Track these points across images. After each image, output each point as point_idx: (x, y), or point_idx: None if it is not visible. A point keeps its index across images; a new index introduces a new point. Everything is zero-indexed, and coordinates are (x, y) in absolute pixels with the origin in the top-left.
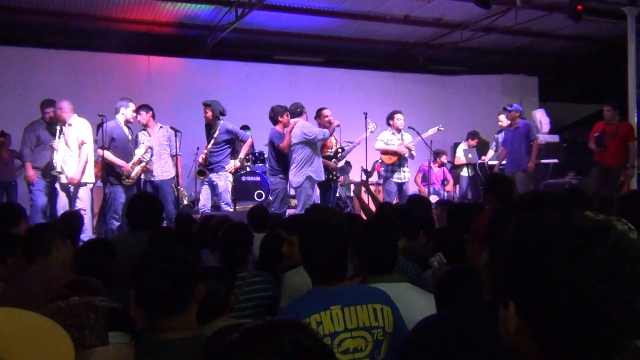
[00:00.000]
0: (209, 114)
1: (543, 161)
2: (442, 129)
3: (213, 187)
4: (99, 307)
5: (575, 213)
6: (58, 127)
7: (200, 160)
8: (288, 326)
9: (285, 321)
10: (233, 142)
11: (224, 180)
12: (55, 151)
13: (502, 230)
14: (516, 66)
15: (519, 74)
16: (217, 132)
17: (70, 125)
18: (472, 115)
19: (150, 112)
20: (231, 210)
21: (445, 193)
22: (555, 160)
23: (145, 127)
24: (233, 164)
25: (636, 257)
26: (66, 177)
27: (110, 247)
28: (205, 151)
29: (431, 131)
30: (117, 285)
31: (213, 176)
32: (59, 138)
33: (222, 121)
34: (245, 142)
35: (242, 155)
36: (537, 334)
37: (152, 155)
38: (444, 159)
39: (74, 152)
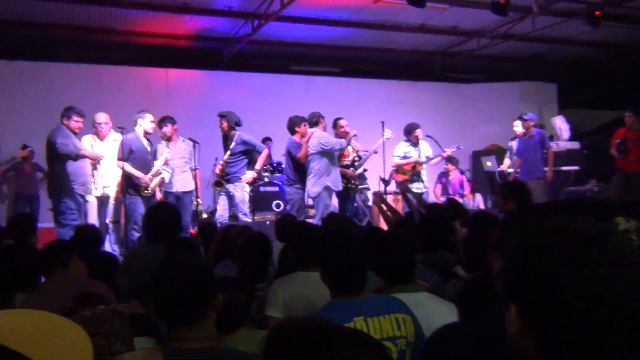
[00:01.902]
0: (225, 125)
1: (563, 168)
2: (462, 147)
3: (230, 198)
4: (123, 313)
5: (576, 218)
6: (96, 140)
7: (217, 171)
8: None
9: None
10: (249, 153)
11: (240, 191)
12: (98, 164)
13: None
14: (534, 73)
15: (537, 81)
16: (233, 143)
17: (114, 140)
18: (490, 123)
19: (175, 125)
20: (249, 220)
21: (466, 202)
22: (576, 168)
23: (168, 139)
24: (250, 174)
25: (636, 262)
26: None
27: (113, 260)
28: (222, 162)
29: (449, 150)
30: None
31: (230, 187)
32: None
33: (238, 132)
34: (261, 152)
35: (258, 166)
36: (536, 336)
37: (171, 168)
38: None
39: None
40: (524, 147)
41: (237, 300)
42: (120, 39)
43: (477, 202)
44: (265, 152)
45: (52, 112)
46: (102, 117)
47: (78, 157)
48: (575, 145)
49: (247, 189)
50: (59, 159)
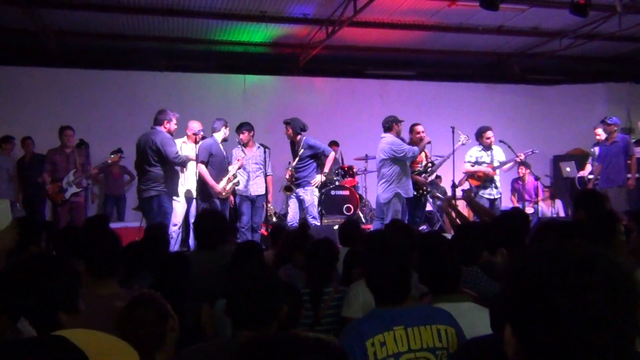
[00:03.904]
0: (290, 131)
1: None
2: (537, 151)
3: (300, 202)
4: None
5: (572, 242)
6: (188, 144)
7: (286, 176)
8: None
9: (308, 341)
10: (318, 157)
11: (310, 195)
12: (185, 168)
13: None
14: (623, 74)
15: (626, 82)
16: (301, 148)
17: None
18: (574, 127)
19: (252, 132)
20: (318, 224)
21: (543, 209)
22: None
23: (245, 145)
24: (318, 178)
25: (628, 286)
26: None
27: (185, 262)
28: (291, 168)
29: (523, 155)
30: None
31: (300, 191)
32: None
33: (304, 137)
34: (328, 156)
35: (326, 169)
36: (529, 356)
37: (247, 173)
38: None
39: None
40: (606, 154)
41: (288, 304)
42: (200, 47)
43: (557, 208)
44: (332, 155)
45: (137, 118)
46: (199, 126)
47: (188, 161)
48: None
49: (317, 192)
50: (165, 163)
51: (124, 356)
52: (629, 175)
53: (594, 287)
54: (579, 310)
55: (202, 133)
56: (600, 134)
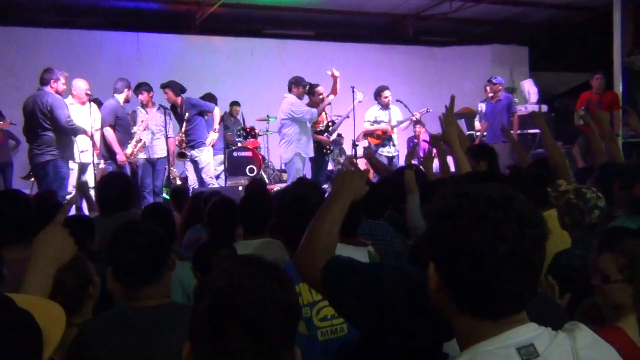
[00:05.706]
0: (170, 94)
1: (530, 131)
2: (431, 110)
3: (195, 163)
4: None
5: (487, 184)
6: (75, 105)
7: (176, 142)
8: None
9: None
10: (203, 115)
11: (205, 154)
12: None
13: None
14: (506, 36)
15: (510, 44)
16: (185, 109)
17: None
18: (462, 86)
19: (151, 92)
20: (215, 184)
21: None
22: None
23: (144, 106)
24: (213, 136)
25: (536, 222)
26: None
27: (89, 224)
28: (181, 133)
29: (418, 113)
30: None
31: (194, 152)
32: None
33: (184, 98)
34: (212, 112)
35: (216, 126)
36: (450, 290)
37: (151, 131)
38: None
39: None
40: (491, 111)
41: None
42: (88, 2)
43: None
44: (216, 110)
45: (21, 79)
46: (85, 84)
47: (83, 132)
48: (543, 108)
49: (211, 152)
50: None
51: (49, 314)
52: (512, 132)
53: (509, 224)
54: (495, 244)
55: (89, 92)
56: (489, 90)
